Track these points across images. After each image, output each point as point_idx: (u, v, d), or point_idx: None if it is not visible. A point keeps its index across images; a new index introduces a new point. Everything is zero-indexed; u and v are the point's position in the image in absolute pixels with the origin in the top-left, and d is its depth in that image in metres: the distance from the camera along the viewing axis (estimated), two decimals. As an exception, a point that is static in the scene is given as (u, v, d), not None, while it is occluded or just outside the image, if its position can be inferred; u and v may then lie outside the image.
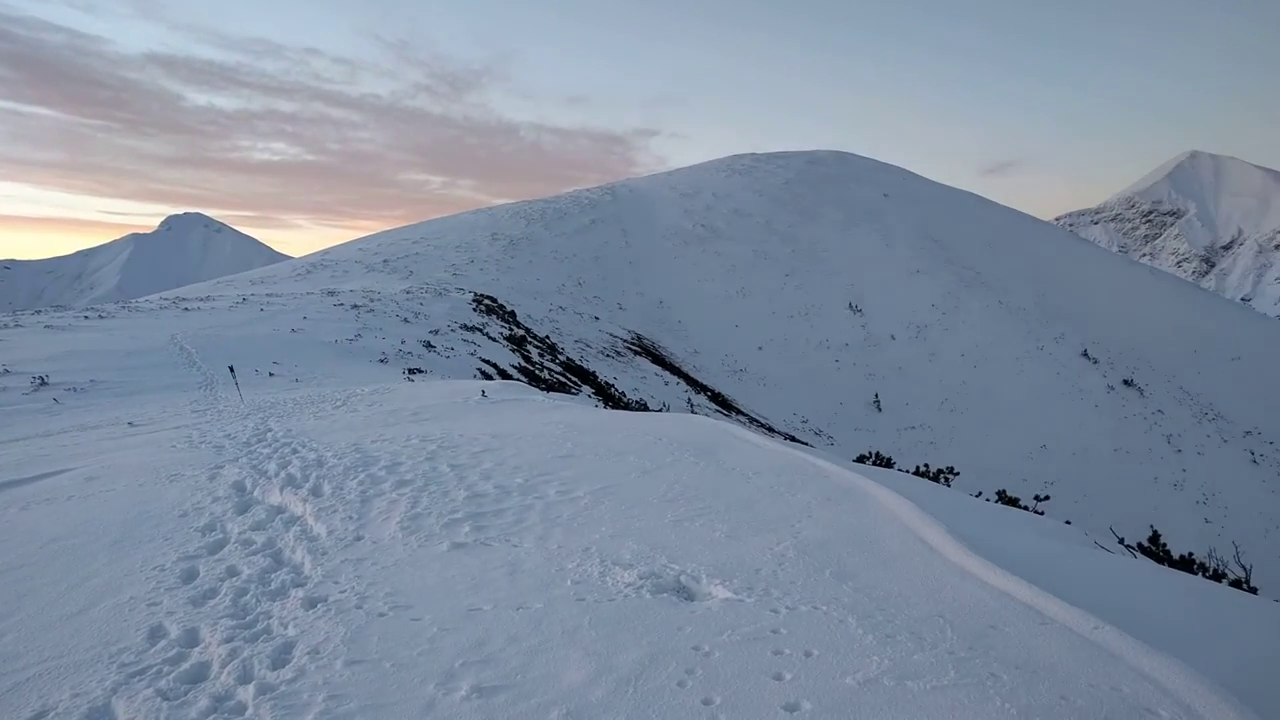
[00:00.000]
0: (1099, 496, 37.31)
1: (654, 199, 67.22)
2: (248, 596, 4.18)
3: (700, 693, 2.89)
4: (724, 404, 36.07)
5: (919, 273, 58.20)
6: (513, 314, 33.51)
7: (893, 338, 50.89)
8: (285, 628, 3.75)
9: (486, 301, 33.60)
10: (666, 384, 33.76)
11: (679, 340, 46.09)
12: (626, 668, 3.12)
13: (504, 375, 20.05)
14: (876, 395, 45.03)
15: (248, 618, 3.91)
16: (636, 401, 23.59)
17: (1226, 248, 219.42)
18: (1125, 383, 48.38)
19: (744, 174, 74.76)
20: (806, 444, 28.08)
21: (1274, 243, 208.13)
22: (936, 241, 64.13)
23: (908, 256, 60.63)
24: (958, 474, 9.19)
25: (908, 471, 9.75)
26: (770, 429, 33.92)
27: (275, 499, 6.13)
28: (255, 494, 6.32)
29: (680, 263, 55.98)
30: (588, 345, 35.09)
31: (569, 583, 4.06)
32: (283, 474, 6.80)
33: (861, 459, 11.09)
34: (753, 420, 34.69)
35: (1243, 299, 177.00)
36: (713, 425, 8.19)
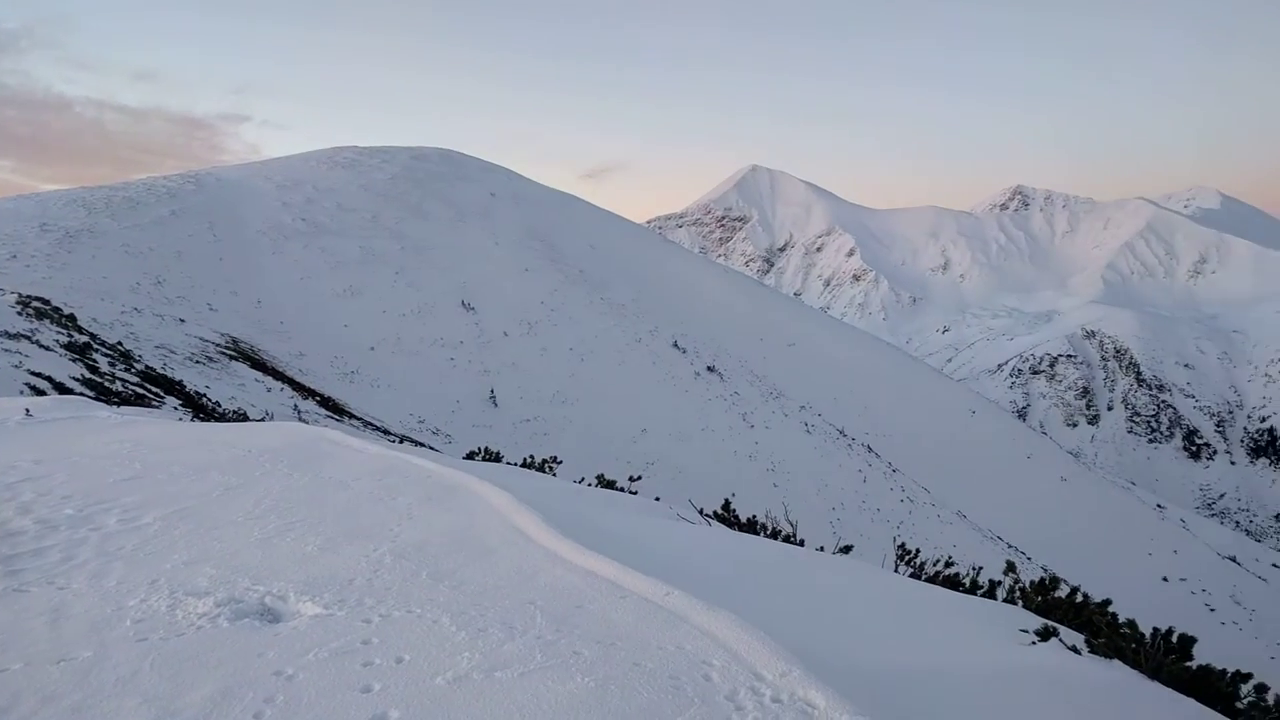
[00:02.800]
0: (692, 471, 41.59)
1: (247, 190, 61.89)
2: None
3: (280, 720, 2.69)
4: (335, 409, 34.39)
5: (528, 271, 60.24)
6: (72, 318, 28.91)
7: (505, 334, 52.13)
8: None
9: (36, 304, 28.58)
10: (269, 390, 31.35)
11: (282, 342, 43.02)
12: (194, 708, 2.80)
13: (62, 390, 17.21)
14: (493, 391, 45.85)
15: None
16: (234, 412, 21.60)
17: (782, 250, 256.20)
18: (709, 369, 54.31)
19: (348, 167, 71.74)
20: (424, 445, 27.78)
21: (815, 246, 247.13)
22: (543, 241, 66.85)
23: (517, 255, 62.46)
24: (561, 462, 9.67)
25: (516, 464, 10.03)
26: (386, 431, 33.02)
27: None
28: None
29: (280, 259, 52.25)
30: (172, 351, 31.40)
31: (129, 622, 3.56)
32: None
33: (471, 455, 11.20)
34: (367, 424, 33.50)
35: (795, 294, 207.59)
36: (313, 433, 7.75)
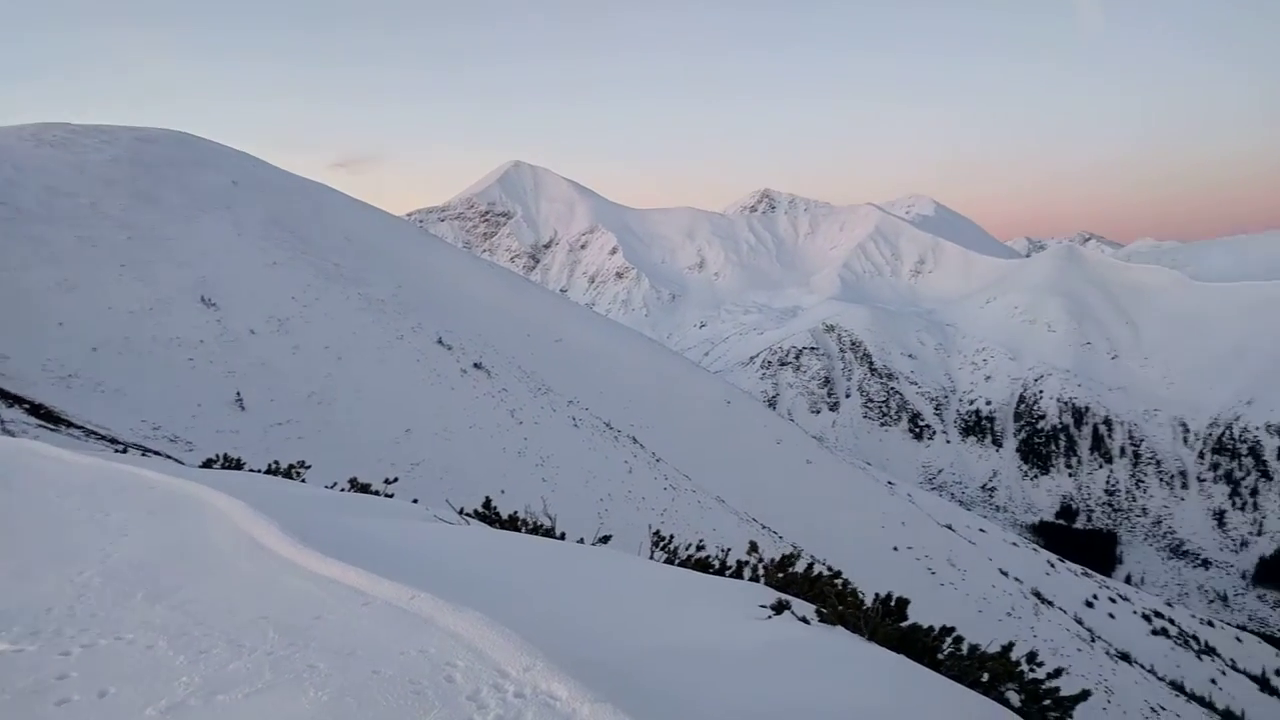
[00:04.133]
0: (460, 471, 40.77)
1: (-72, 170, 53.37)
2: None
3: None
4: (50, 417, 30.47)
5: (276, 264, 56.41)
6: None
7: (253, 332, 48.52)
8: None
9: None
10: (-39, 400, 27.25)
11: (-21, 345, 37.56)
12: None
13: None
14: (239, 393, 42.53)
15: None
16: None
17: (547, 246, 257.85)
18: (475, 365, 53.52)
19: (59, 146, 63.59)
20: (159, 454, 25.28)
21: (580, 243, 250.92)
22: (293, 233, 62.89)
23: (263, 247, 58.30)
24: (310, 467, 9.13)
25: (260, 471, 9.36)
26: (115, 441, 29.72)
27: None
28: None
29: (-25, 250, 45.55)
30: None
31: None
32: None
33: (209, 464, 10.33)
34: (90, 434, 29.97)
35: (561, 290, 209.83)
36: (11, 445, 6.80)
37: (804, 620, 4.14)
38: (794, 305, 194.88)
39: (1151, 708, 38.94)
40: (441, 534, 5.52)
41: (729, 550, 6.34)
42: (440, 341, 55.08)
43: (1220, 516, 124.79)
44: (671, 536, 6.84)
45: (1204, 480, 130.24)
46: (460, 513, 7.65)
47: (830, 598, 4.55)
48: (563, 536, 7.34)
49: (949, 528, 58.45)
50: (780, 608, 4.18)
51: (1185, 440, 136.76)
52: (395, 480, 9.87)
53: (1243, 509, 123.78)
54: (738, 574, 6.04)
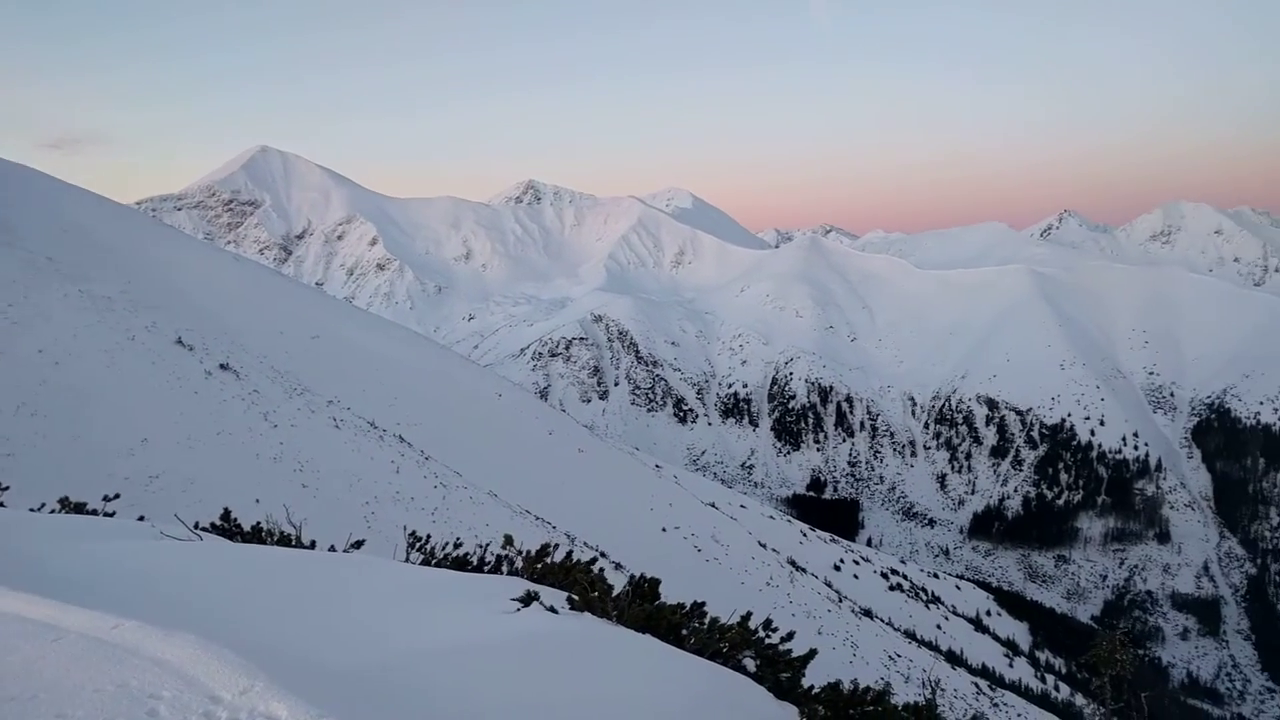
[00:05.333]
0: (206, 482, 37.54)
1: None
2: None
3: None
4: None
5: (-27, 260, 49.36)
6: None
7: (-56, 337, 42.17)
8: None
9: None
10: None
11: None
12: None
13: None
14: (-73, 409, 36.81)
15: None
16: None
17: (300, 237, 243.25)
18: (222, 367, 49.58)
19: None
20: None
21: (336, 234, 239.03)
22: (-5, 223, 55.26)
23: (-44, 240, 50.79)
24: (7, 488, 8.03)
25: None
26: None
27: None
28: None
29: None
30: None
31: None
32: None
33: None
34: None
35: (317, 283, 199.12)
36: None
37: (552, 610, 4.17)
38: (563, 296, 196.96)
39: (890, 656, 43.14)
40: (164, 554, 5.04)
41: (487, 545, 6.28)
42: (180, 341, 50.47)
43: (942, 480, 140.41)
44: (429, 536, 6.67)
45: (929, 448, 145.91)
46: (195, 527, 7.03)
47: (581, 585, 4.62)
48: (312, 545, 6.95)
49: (713, 506, 61.52)
50: (528, 599, 4.18)
51: (914, 413, 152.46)
52: (117, 496, 8.90)
53: (960, 472, 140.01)
54: (496, 569, 5.99)
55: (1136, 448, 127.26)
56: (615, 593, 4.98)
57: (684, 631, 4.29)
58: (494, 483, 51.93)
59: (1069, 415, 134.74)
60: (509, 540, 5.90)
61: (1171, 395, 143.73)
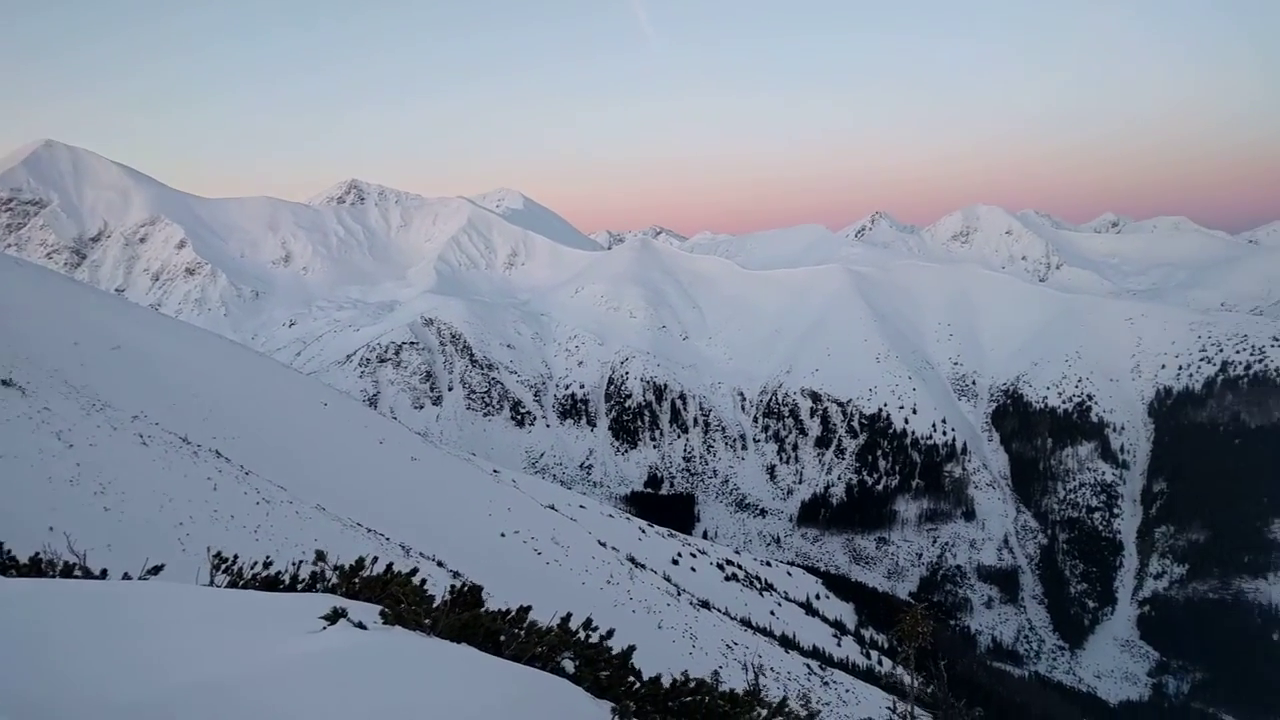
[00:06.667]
0: (-14, 511, 34.02)
1: None
2: None
3: None
4: None
5: None
6: None
7: None
8: None
9: None
10: None
11: None
12: None
13: None
14: None
15: None
16: None
17: (96, 240, 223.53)
18: (4, 383, 44.96)
19: None
20: None
21: (138, 236, 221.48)
22: None
23: None
24: None
25: None
26: None
27: None
28: None
29: None
30: None
31: None
32: None
33: None
34: None
35: (117, 290, 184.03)
36: None
37: (360, 625, 4.01)
38: (391, 300, 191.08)
39: (728, 645, 44.52)
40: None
41: (300, 563, 5.96)
42: (-49, 357, 45.33)
43: (772, 471, 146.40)
44: (235, 557, 6.26)
45: (758, 441, 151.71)
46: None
47: (395, 597, 4.47)
48: (103, 574, 6.40)
49: (552, 508, 61.45)
50: (335, 616, 4.00)
51: (743, 407, 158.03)
52: None
53: (788, 462, 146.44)
54: (311, 587, 5.71)
55: (945, 433, 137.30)
56: (436, 603, 4.86)
57: (502, 638, 4.24)
58: (322, 496, 49.65)
59: (885, 405, 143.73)
60: (320, 556, 5.64)
61: (973, 384, 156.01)
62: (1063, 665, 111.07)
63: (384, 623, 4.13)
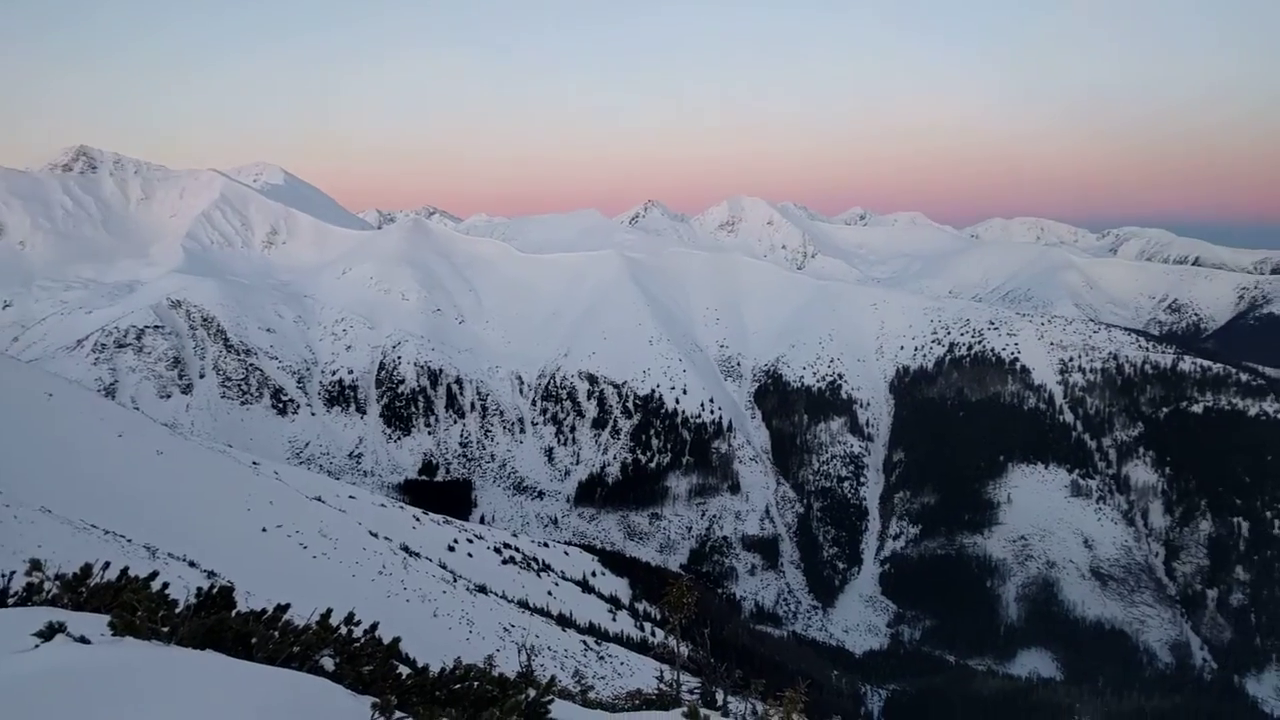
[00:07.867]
0: None
1: None
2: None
3: None
4: None
5: None
6: None
7: None
8: None
9: None
10: None
11: None
12: None
13: None
14: None
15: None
16: None
17: None
18: None
19: None
20: None
21: None
22: None
23: None
24: None
25: None
26: None
27: None
28: None
29: None
30: None
31: None
32: None
33: None
34: None
35: None
36: None
37: (83, 640, 3.59)
38: (131, 280, 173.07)
39: (505, 628, 44.51)
40: None
41: (11, 575, 5.24)
42: None
43: (550, 453, 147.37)
44: (-72, 572, 5.42)
45: (537, 424, 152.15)
46: None
47: (129, 605, 4.05)
48: None
49: (319, 500, 58.60)
50: (51, 632, 3.56)
51: (521, 391, 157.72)
52: None
53: (565, 444, 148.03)
54: (26, 600, 5.06)
55: (713, 412, 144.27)
56: (180, 608, 4.46)
57: (253, 640, 3.95)
58: (47, 497, 44.44)
59: (658, 386, 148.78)
60: (36, 564, 5.00)
61: (738, 365, 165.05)
62: (817, 623, 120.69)
63: (113, 634, 3.73)
